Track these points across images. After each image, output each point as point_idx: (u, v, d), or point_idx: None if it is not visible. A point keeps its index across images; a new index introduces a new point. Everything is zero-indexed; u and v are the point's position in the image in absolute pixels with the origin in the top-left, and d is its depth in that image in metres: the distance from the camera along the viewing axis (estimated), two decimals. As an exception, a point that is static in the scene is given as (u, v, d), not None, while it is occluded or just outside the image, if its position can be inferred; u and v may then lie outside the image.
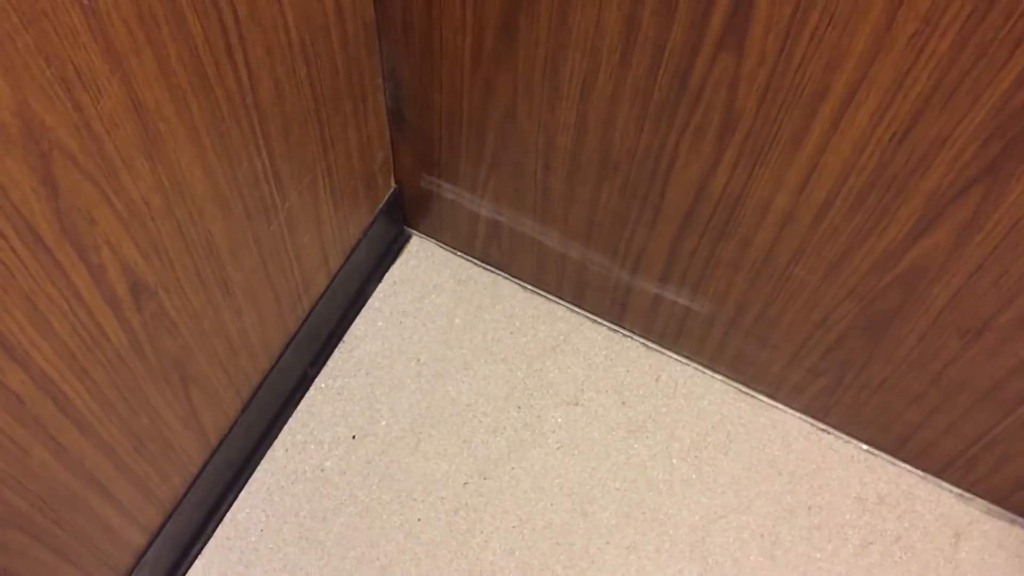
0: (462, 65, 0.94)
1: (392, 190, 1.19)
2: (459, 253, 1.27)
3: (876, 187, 0.79)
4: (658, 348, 1.20)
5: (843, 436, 1.13)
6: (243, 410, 1.03)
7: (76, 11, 0.57)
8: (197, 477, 0.99)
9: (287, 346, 1.08)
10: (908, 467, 1.12)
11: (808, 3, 0.68)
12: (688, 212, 0.94)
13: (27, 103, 0.57)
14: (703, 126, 0.84)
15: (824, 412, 1.12)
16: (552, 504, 1.10)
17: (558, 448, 1.14)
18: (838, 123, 0.76)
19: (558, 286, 1.20)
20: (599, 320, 1.22)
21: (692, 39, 0.76)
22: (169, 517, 0.97)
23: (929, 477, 1.11)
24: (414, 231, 1.28)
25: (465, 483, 1.11)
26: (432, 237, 1.28)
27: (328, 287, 1.12)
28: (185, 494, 0.98)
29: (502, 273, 1.25)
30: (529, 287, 1.24)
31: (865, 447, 1.13)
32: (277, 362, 1.07)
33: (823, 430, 1.14)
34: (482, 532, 1.08)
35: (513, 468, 1.12)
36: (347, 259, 1.14)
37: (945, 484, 1.11)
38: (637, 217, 0.99)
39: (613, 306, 1.17)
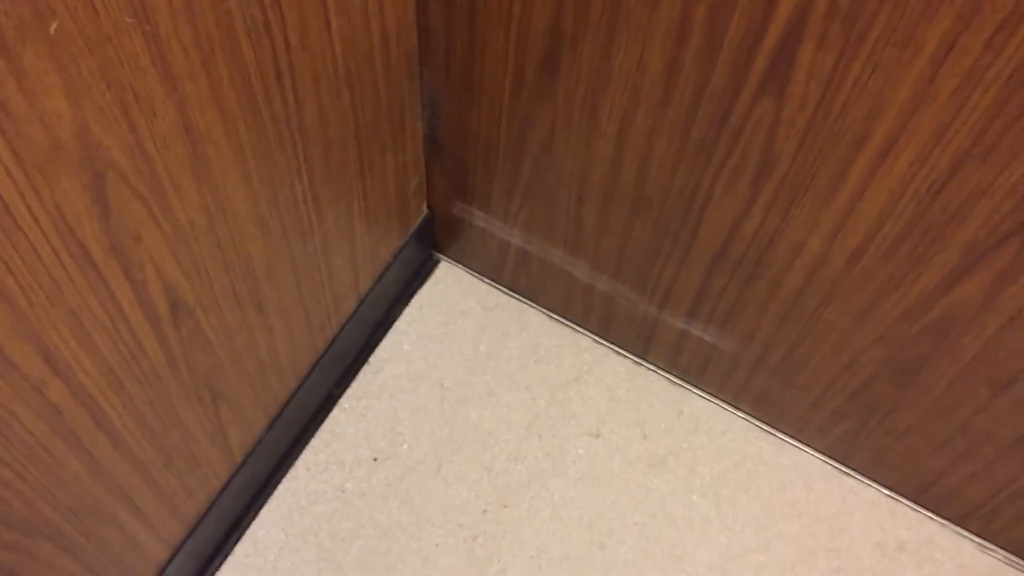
0: (501, 97, 0.95)
1: (424, 215, 1.20)
2: (486, 280, 1.28)
3: (911, 235, 0.80)
4: (682, 383, 1.20)
5: (865, 480, 1.13)
6: (268, 428, 1.04)
7: (138, 36, 0.58)
8: (220, 493, 1.00)
9: (314, 366, 1.09)
10: (930, 514, 1.11)
11: (852, 53, 0.69)
12: (720, 251, 0.95)
13: (86, 124, 0.58)
14: (739, 167, 0.85)
15: (847, 455, 1.12)
16: (570, 535, 1.10)
17: (578, 479, 1.14)
18: (876, 171, 0.76)
19: (584, 317, 1.21)
20: (624, 352, 1.22)
21: (734, 82, 0.77)
22: (192, 532, 0.97)
23: (950, 525, 1.11)
24: (443, 256, 1.29)
25: (484, 510, 1.11)
26: (460, 263, 1.29)
27: (357, 309, 1.13)
28: (208, 510, 0.98)
29: (529, 301, 1.26)
30: (555, 316, 1.25)
31: (887, 492, 1.12)
32: (304, 381, 1.07)
33: (845, 473, 1.14)
34: (499, 560, 1.08)
35: (533, 497, 1.13)
36: (377, 281, 1.15)
37: (966, 533, 1.10)
38: (668, 253, 1.00)
39: (639, 339, 1.18)
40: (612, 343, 1.22)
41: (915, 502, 1.11)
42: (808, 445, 1.15)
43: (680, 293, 1.05)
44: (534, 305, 1.26)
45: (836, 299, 0.91)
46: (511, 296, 1.27)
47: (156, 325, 0.75)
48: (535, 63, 0.88)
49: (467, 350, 1.23)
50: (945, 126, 0.70)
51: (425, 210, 1.20)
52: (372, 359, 1.22)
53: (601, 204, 1.00)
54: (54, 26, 0.52)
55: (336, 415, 1.17)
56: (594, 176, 0.97)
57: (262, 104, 0.75)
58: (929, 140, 0.71)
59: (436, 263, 1.29)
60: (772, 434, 1.17)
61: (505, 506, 1.12)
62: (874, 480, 1.13)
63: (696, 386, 1.19)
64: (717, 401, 1.19)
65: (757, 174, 0.84)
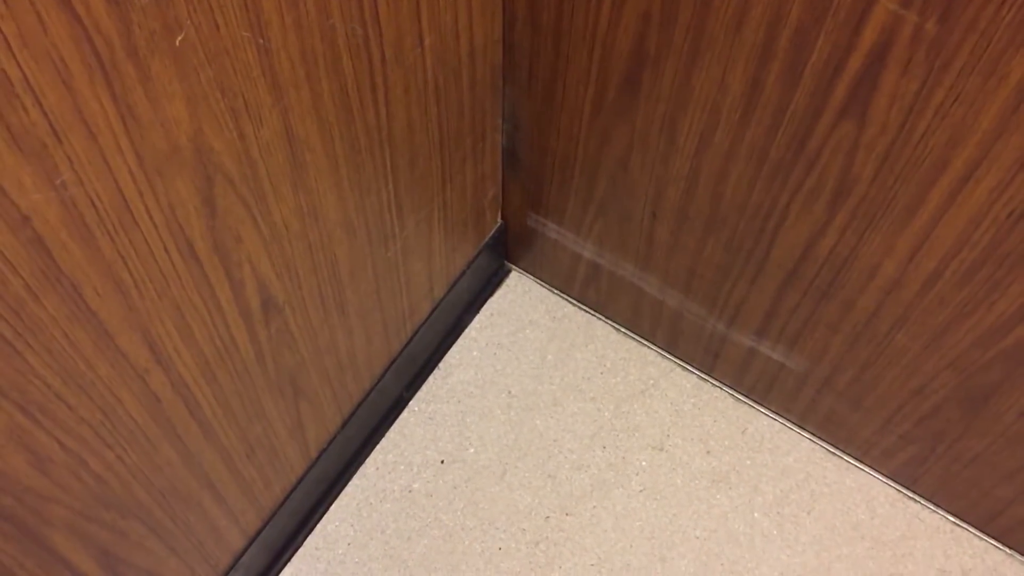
0: (581, 113, 0.97)
1: (498, 225, 1.23)
2: (556, 291, 1.30)
3: (988, 262, 0.80)
4: (747, 401, 1.21)
5: (930, 506, 1.13)
6: (343, 426, 1.07)
7: (252, 49, 0.62)
8: (295, 487, 1.03)
9: (388, 368, 1.12)
10: (995, 543, 1.10)
11: (935, 81, 0.70)
12: (792, 270, 0.96)
13: (201, 130, 0.62)
14: (817, 188, 0.86)
15: (913, 480, 1.11)
16: (631, 546, 1.12)
17: (640, 491, 1.15)
18: (955, 197, 0.77)
19: (652, 331, 1.23)
20: (689, 368, 1.24)
21: (815, 104, 0.79)
22: (267, 523, 1.01)
23: (1016, 556, 1.10)
24: (514, 266, 1.32)
25: (547, 517, 1.13)
26: (531, 273, 1.31)
27: (431, 314, 1.16)
28: (283, 502, 1.02)
29: (597, 314, 1.28)
30: (622, 330, 1.27)
31: (952, 519, 1.12)
32: (377, 383, 1.11)
33: (910, 497, 1.14)
34: (561, 567, 1.10)
35: (595, 507, 1.14)
36: (450, 289, 1.18)
37: (1033, 564, 1.09)
38: (740, 272, 1.01)
39: (706, 356, 1.19)
40: (679, 358, 1.24)
41: (981, 530, 1.11)
42: (873, 468, 1.15)
43: (750, 311, 1.06)
44: (602, 318, 1.28)
45: (909, 323, 0.91)
46: (579, 308, 1.29)
47: (249, 322, 0.79)
48: (616, 82, 0.91)
49: (535, 359, 1.25)
50: (1028, 155, 0.70)
51: (499, 221, 1.23)
52: (442, 364, 1.25)
53: (675, 221, 1.01)
54: (180, 38, 0.56)
55: (406, 417, 1.20)
56: (669, 193, 0.98)
57: (356, 114, 0.78)
58: (1011, 168, 0.72)
59: (507, 273, 1.32)
60: (837, 455, 1.17)
61: (568, 514, 1.14)
62: (940, 506, 1.12)
63: (762, 404, 1.20)
64: (782, 420, 1.19)
65: (834, 196, 0.85)
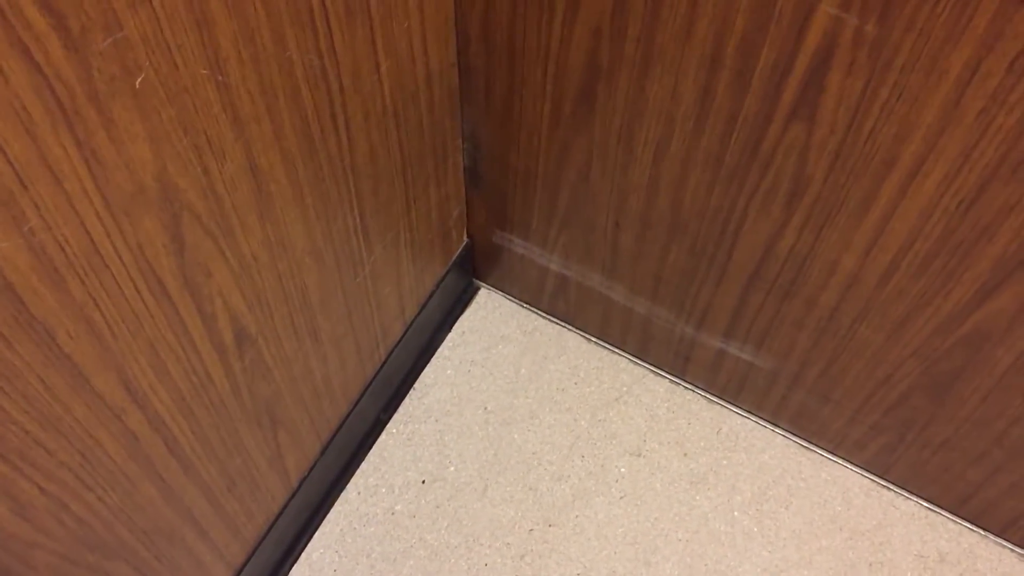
0: (540, 129, 0.99)
1: (464, 244, 1.24)
2: (525, 305, 1.31)
3: (942, 252, 0.83)
4: (719, 401, 1.23)
5: (904, 493, 1.15)
6: (322, 452, 1.08)
7: (211, 86, 0.63)
8: (278, 516, 1.03)
9: (364, 391, 1.12)
10: (970, 525, 1.13)
11: (879, 80, 0.73)
12: (755, 271, 0.98)
13: (166, 168, 0.62)
14: (772, 190, 0.88)
15: (885, 469, 1.14)
16: (616, 552, 1.13)
17: (621, 498, 1.17)
18: (906, 190, 0.80)
19: (622, 339, 1.24)
20: (661, 372, 1.25)
21: (765, 109, 0.81)
22: (252, 555, 1.01)
23: (990, 536, 1.12)
24: (482, 283, 1.33)
25: (531, 529, 1.14)
26: (500, 289, 1.32)
27: (403, 336, 1.17)
28: (267, 533, 1.02)
29: (567, 325, 1.29)
30: (593, 339, 1.28)
31: (927, 504, 1.14)
32: (354, 407, 1.11)
33: (884, 486, 1.16)
34: (547, 578, 1.11)
35: (577, 516, 1.15)
36: (421, 309, 1.19)
37: (1007, 544, 1.11)
38: (704, 275, 1.03)
39: (676, 359, 1.21)
40: (650, 364, 1.25)
41: (955, 514, 1.13)
42: (847, 460, 1.17)
43: (717, 313, 1.08)
44: (572, 328, 1.29)
45: (870, 315, 0.94)
46: (550, 320, 1.30)
47: (223, 355, 0.79)
48: (572, 96, 0.92)
49: (508, 374, 1.27)
50: (972, 146, 0.73)
51: (465, 239, 1.24)
52: (417, 384, 1.25)
53: (638, 229, 1.03)
54: (140, 80, 0.57)
55: (384, 439, 1.21)
56: (631, 202, 1.00)
57: (318, 144, 0.79)
58: (957, 160, 0.75)
59: (476, 290, 1.33)
60: (810, 449, 1.19)
61: (551, 525, 1.15)
62: (913, 493, 1.14)
63: (734, 404, 1.22)
64: (755, 418, 1.21)
65: (790, 196, 0.87)
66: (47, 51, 0.49)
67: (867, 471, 1.17)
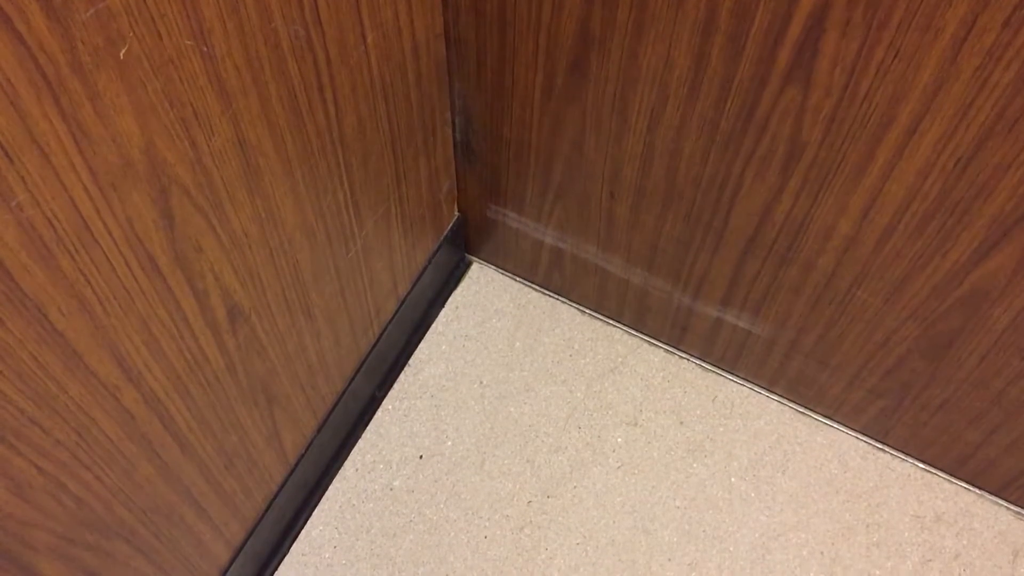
0: (532, 100, 0.98)
1: (456, 218, 1.23)
2: (519, 279, 1.31)
3: (939, 212, 0.82)
4: (715, 370, 1.23)
5: (900, 455, 1.15)
6: (318, 430, 1.07)
7: (197, 57, 0.62)
8: (276, 494, 1.03)
9: (358, 368, 1.12)
10: (966, 486, 1.13)
11: (875, 39, 0.72)
12: (751, 238, 0.98)
13: (153, 142, 0.61)
14: (768, 155, 0.87)
15: (884, 433, 1.14)
16: (614, 522, 1.13)
17: (619, 467, 1.17)
18: (902, 151, 0.79)
19: (619, 310, 1.24)
20: (656, 342, 1.25)
21: (760, 73, 0.80)
22: (251, 533, 1.01)
23: (987, 496, 1.13)
24: (475, 258, 1.32)
25: (529, 501, 1.14)
26: (492, 263, 1.32)
27: (396, 312, 1.17)
28: (266, 511, 1.02)
29: (561, 298, 1.29)
30: (587, 311, 1.28)
31: (923, 466, 1.15)
32: (349, 384, 1.11)
33: (880, 449, 1.16)
34: (547, 549, 1.11)
35: (575, 487, 1.15)
36: (414, 285, 1.19)
37: (1003, 503, 1.12)
38: (700, 243, 1.03)
39: (673, 329, 1.20)
40: (646, 335, 1.25)
41: (952, 475, 1.13)
42: (844, 425, 1.17)
43: (713, 282, 1.07)
44: (566, 301, 1.29)
45: (868, 279, 0.93)
46: (543, 293, 1.30)
47: (216, 332, 0.78)
48: (565, 66, 0.91)
49: (503, 347, 1.26)
50: (968, 104, 0.72)
51: (456, 214, 1.23)
52: (412, 360, 1.25)
53: (633, 199, 1.02)
54: (124, 51, 0.56)
55: (380, 416, 1.20)
56: (625, 172, 0.99)
57: (306, 116, 0.78)
58: (953, 118, 0.74)
59: (469, 265, 1.33)
60: (806, 415, 1.19)
61: (549, 496, 1.15)
62: (910, 455, 1.15)
63: (731, 372, 1.22)
64: (751, 386, 1.21)
65: (786, 161, 0.87)
66: (29, 21, 0.48)
67: (865, 435, 1.17)
